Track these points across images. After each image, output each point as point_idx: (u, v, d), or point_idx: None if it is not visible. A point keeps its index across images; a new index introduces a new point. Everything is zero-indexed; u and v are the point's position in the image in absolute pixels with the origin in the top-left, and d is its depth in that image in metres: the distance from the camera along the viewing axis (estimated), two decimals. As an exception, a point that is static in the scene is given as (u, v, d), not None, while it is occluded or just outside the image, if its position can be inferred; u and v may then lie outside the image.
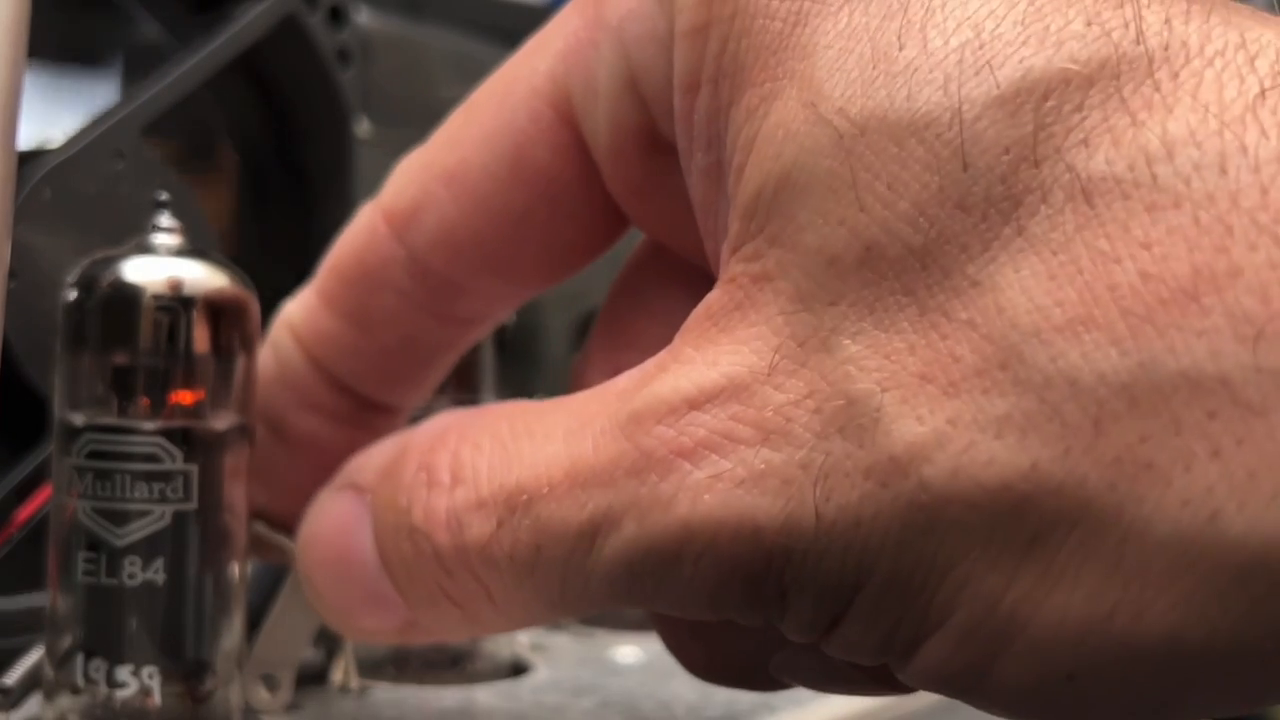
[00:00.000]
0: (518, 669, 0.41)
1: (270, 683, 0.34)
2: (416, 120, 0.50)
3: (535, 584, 0.23)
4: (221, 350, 0.30)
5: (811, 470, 0.19)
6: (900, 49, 0.19)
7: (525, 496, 0.22)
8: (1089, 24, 0.19)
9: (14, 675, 0.32)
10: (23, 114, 0.30)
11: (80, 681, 0.30)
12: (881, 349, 0.19)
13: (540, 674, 0.40)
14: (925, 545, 0.19)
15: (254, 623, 0.33)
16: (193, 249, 0.31)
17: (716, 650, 0.26)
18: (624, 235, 0.28)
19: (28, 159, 0.37)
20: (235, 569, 0.31)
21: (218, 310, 0.30)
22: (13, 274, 0.31)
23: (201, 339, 0.30)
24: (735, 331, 0.21)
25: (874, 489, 0.19)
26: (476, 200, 0.26)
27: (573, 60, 0.25)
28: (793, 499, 0.20)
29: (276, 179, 0.47)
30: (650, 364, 0.22)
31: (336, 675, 0.37)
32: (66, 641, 0.30)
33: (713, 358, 0.21)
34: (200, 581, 0.30)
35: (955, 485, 0.18)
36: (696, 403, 0.20)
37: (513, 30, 0.67)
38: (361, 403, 0.29)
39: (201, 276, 0.30)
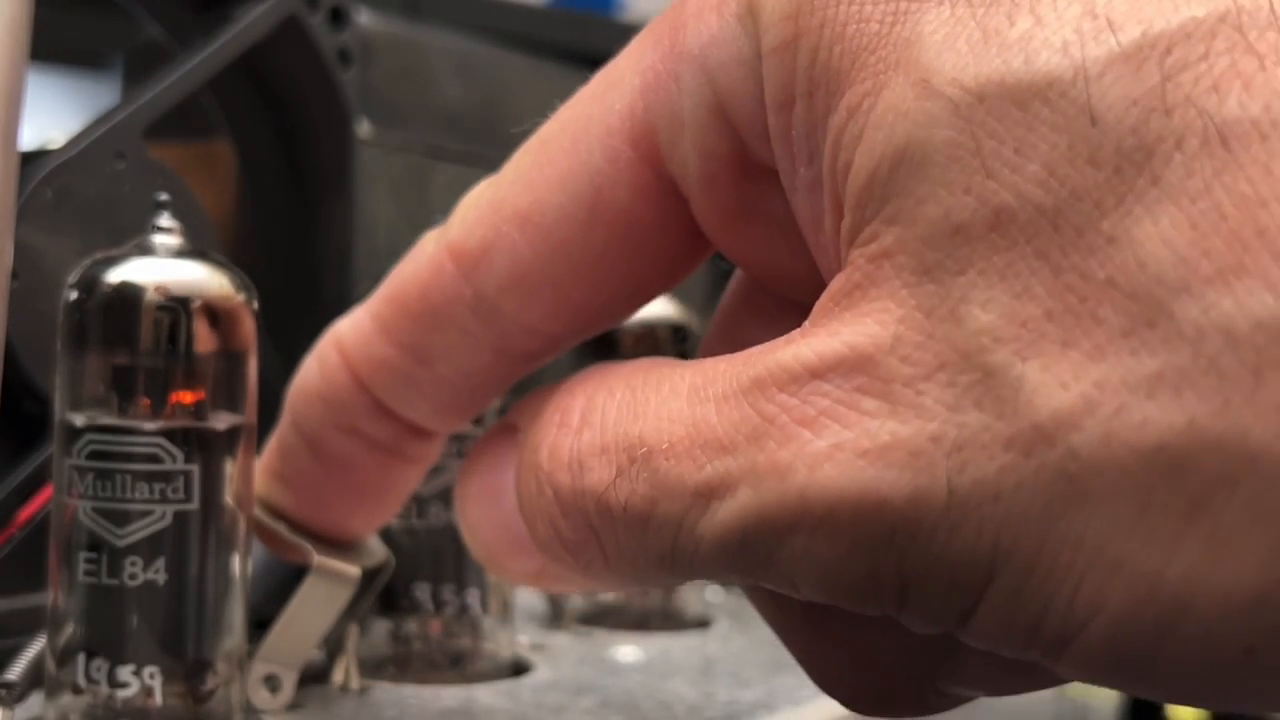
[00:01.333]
0: (518, 669, 0.41)
1: (272, 683, 0.34)
2: (416, 121, 0.50)
3: (647, 540, 0.22)
4: (221, 350, 0.30)
5: (944, 443, 0.19)
6: (1011, 25, 0.19)
7: (645, 449, 0.22)
8: None
9: (16, 669, 0.32)
10: (25, 115, 0.30)
11: (82, 681, 0.30)
12: (1016, 317, 0.18)
13: (541, 673, 0.40)
14: (1074, 520, 0.18)
15: (257, 622, 0.33)
16: (193, 249, 0.31)
17: (856, 658, 0.24)
18: (695, 270, 0.27)
19: (30, 159, 0.37)
20: (236, 569, 0.31)
21: (218, 311, 0.30)
22: (14, 274, 0.31)
23: (201, 339, 0.30)
24: (858, 307, 0.20)
25: (1016, 460, 0.18)
26: (552, 243, 0.25)
27: (653, 95, 0.24)
28: (922, 472, 0.19)
29: (277, 179, 0.47)
30: (780, 338, 0.21)
31: (338, 675, 0.37)
32: (68, 641, 0.30)
33: (835, 329, 0.20)
34: (201, 581, 0.30)
35: (1107, 451, 0.18)
36: (818, 371, 0.20)
37: (512, 31, 0.68)
38: (403, 428, 0.29)
39: (201, 277, 0.30)
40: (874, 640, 0.24)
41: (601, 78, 0.25)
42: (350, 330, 0.28)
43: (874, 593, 0.20)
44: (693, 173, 0.24)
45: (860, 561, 0.20)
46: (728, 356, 0.22)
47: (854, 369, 0.20)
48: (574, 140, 0.25)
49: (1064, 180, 0.18)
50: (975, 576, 0.19)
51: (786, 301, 0.26)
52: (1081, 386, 0.18)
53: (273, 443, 0.31)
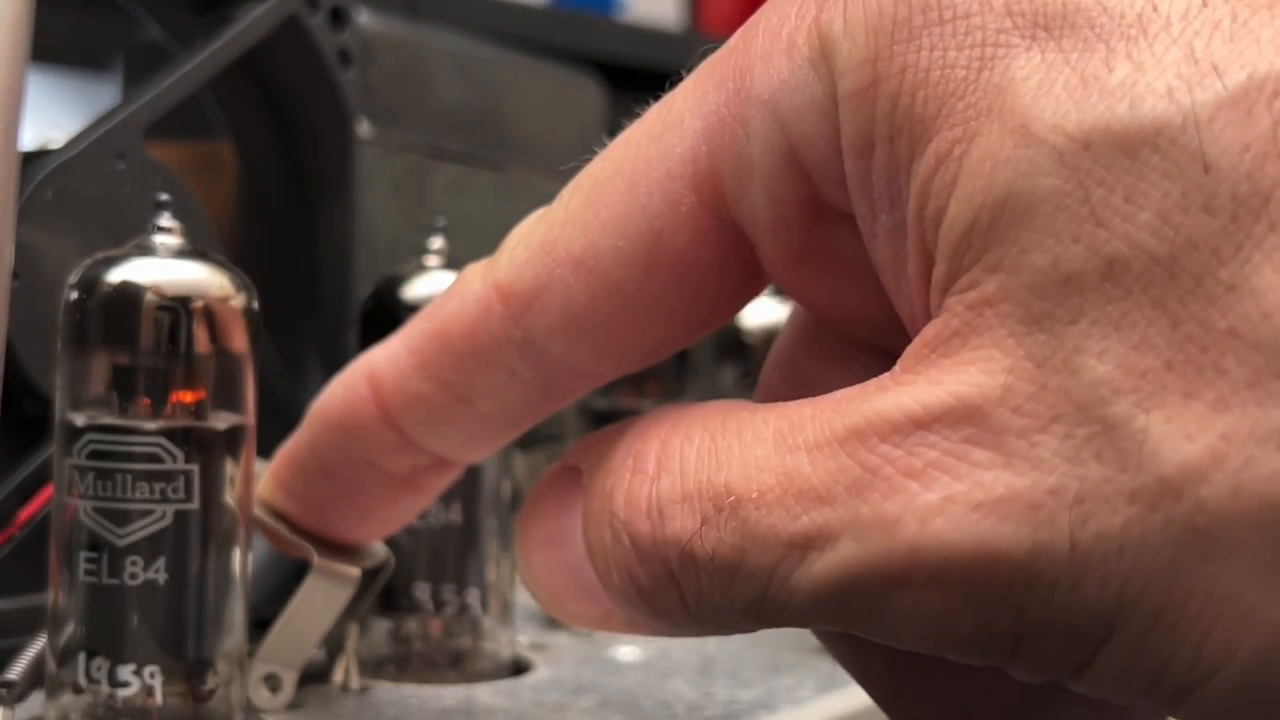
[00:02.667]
0: (518, 668, 0.41)
1: (273, 683, 0.34)
2: (416, 121, 0.50)
3: (734, 590, 0.22)
4: (222, 350, 0.30)
5: (1064, 496, 0.19)
6: (1110, 71, 0.19)
7: (733, 498, 0.21)
8: None
9: (17, 669, 0.32)
10: (25, 115, 0.30)
11: (82, 681, 0.30)
12: (1135, 368, 0.18)
13: (541, 673, 0.40)
14: (1202, 572, 0.18)
15: (257, 622, 0.33)
16: (193, 249, 0.31)
17: (945, 705, 0.24)
18: (742, 310, 0.27)
19: (30, 160, 0.37)
20: (237, 568, 0.31)
21: (218, 311, 0.30)
22: (15, 274, 0.31)
23: (202, 339, 0.30)
24: (958, 355, 0.20)
25: (1141, 513, 0.18)
26: (608, 287, 0.25)
27: (718, 140, 0.23)
28: (1042, 526, 0.19)
29: (277, 179, 0.47)
30: (870, 383, 0.21)
31: (338, 675, 0.38)
32: (68, 641, 0.30)
33: (936, 378, 0.20)
34: (202, 581, 0.30)
35: (1237, 504, 0.18)
36: (923, 422, 0.20)
37: (512, 31, 0.68)
38: (423, 463, 0.29)
39: (202, 277, 0.30)
40: (965, 687, 0.24)
41: (657, 118, 0.25)
42: (386, 363, 0.27)
43: (986, 646, 0.20)
44: (762, 217, 0.24)
45: (973, 615, 0.20)
46: (811, 401, 0.22)
47: (961, 419, 0.19)
48: (631, 183, 0.24)
49: (1179, 228, 0.18)
50: (1096, 628, 0.19)
51: (849, 342, 0.26)
52: (1208, 439, 0.18)
53: (284, 454, 0.31)
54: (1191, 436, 0.18)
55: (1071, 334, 0.19)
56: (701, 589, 0.22)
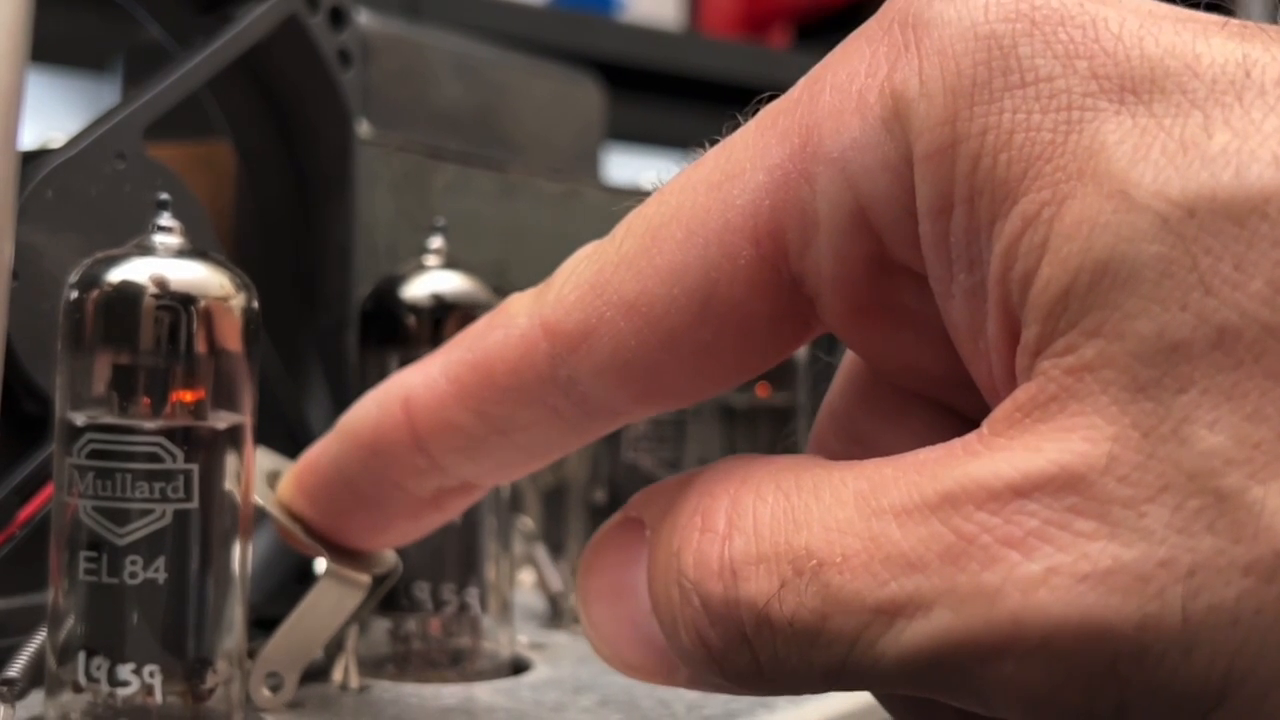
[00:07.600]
0: (518, 667, 0.41)
1: (274, 682, 0.34)
2: (416, 121, 0.50)
3: (813, 654, 0.21)
4: (221, 350, 0.31)
5: (1175, 568, 0.18)
6: (1209, 137, 0.19)
7: (815, 561, 0.21)
8: None
9: (17, 666, 0.32)
10: (25, 115, 0.30)
11: (82, 680, 0.30)
12: (1248, 439, 0.18)
13: (540, 672, 0.40)
14: None
15: (256, 621, 0.33)
16: (193, 249, 0.31)
17: None
18: (787, 358, 0.27)
19: (30, 159, 0.37)
20: (236, 567, 0.31)
21: (218, 310, 0.30)
22: (15, 274, 0.32)
23: (201, 339, 0.30)
24: (1057, 420, 0.20)
25: (1256, 586, 0.18)
26: (659, 333, 0.24)
27: (781, 195, 0.23)
28: (1152, 598, 0.19)
29: (277, 179, 0.47)
30: (955, 444, 0.21)
31: (338, 674, 0.38)
32: (68, 639, 0.30)
33: (1034, 444, 0.20)
34: (201, 580, 0.30)
35: None
36: (1023, 490, 0.19)
37: (512, 31, 0.68)
38: (450, 487, 0.29)
39: (202, 277, 0.30)
40: None
41: (715, 165, 0.24)
42: (423, 388, 0.27)
43: (1088, 717, 0.20)
44: (826, 273, 0.23)
45: (1077, 688, 0.19)
46: (890, 462, 0.21)
47: (1064, 488, 0.19)
48: (689, 232, 0.24)
49: None
50: (1206, 699, 0.19)
51: (903, 395, 0.26)
52: None
53: (309, 461, 0.31)
54: None
55: (1180, 403, 0.19)
56: (778, 652, 0.22)
